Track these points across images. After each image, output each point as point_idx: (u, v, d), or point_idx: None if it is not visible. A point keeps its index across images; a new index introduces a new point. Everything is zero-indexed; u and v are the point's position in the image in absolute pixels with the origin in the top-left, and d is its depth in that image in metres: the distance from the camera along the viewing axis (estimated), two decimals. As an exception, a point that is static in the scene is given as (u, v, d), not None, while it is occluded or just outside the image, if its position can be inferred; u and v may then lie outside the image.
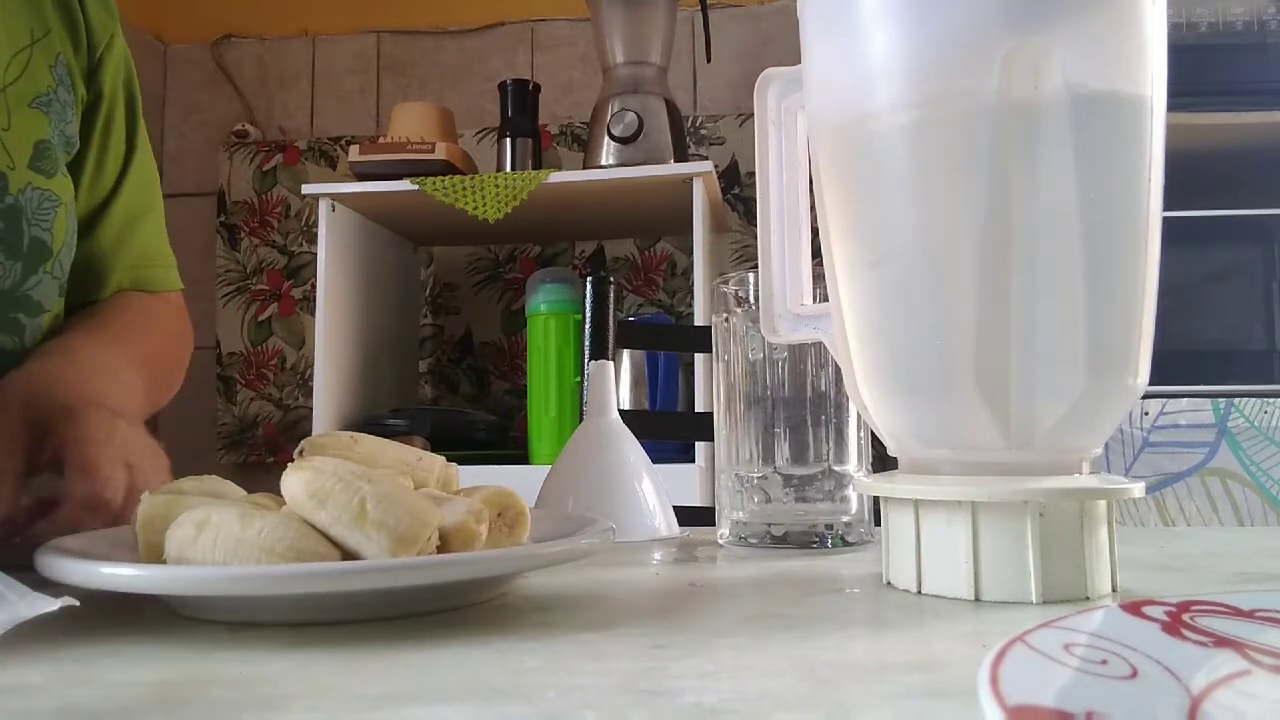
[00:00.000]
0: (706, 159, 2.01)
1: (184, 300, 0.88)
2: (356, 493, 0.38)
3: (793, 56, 0.48)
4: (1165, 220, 0.43)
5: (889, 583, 0.45)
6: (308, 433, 1.98)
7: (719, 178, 1.92)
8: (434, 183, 1.73)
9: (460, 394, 2.20)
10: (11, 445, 0.54)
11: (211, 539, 0.38)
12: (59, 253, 0.71)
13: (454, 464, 0.50)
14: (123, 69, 0.80)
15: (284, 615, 0.38)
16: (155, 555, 0.40)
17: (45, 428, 0.56)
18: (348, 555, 0.38)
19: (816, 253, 0.50)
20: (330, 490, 0.38)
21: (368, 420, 1.80)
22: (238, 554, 0.37)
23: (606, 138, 1.77)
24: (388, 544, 0.37)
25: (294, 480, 0.39)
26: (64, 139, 0.73)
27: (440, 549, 0.40)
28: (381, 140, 1.82)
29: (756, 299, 0.54)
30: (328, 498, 0.38)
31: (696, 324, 1.67)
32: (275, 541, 0.37)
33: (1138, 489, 0.42)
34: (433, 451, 0.51)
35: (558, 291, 1.79)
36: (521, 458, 1.82)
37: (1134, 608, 0.29)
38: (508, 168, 1.86)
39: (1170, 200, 0.44)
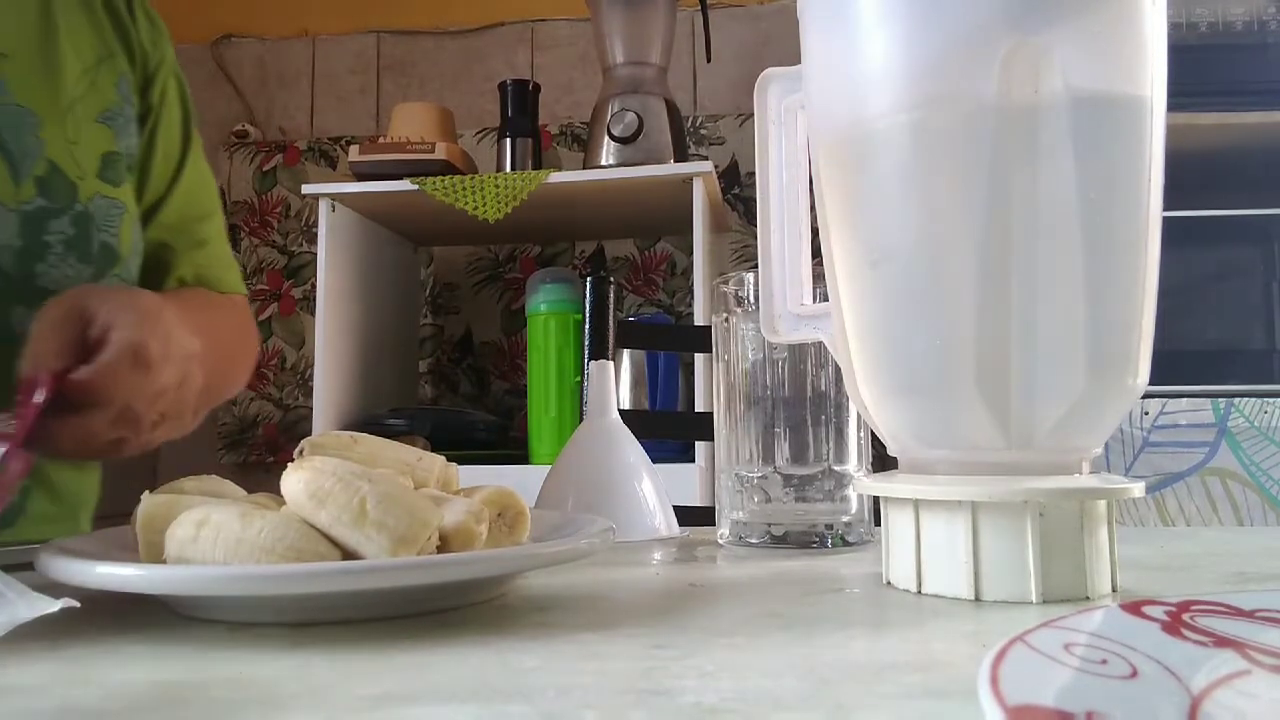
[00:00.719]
0: (706, 159, 2.01)
1: (248, 304, 0.91)
2: (356, 493, 0.38)
3: (793, 56, 0.48)
4: (1165, 220, 0.43)
5: (889, 583, 0.45)
6: (308, 433, 1.98)
7: (719, 178, 1.92)
8: (434, 183, 1.73)
9: (460, 394, 2.20)
10: (66, 315, 0.58)
11: (211, 539, 0.38)
12: (127, 257, 0.75)
13: (453, 464, 0.50)
14: (175, 85, 0.85)
15: (284, 615, 0.38)
16: (155, 555, 0.40)
17: (91, 315, 0.59)
18: (348, 555, 0.38)
19: (816, 253, 0.50)
20: (330, 490, 0.38)
21: (368, 420, 1.80)
22: (238, 554, 0.37)
23: (606, 138, 1.77)
24: (388, 544, 0.37)
25: (294, 480, 0.39)
26: (127, 151, 0.78)
27: (440, 549, 0.40)
28: (381, 140, 1.82)
29: (756, 299, 0.54)
30: (328, 498, 0.38)
31: (696, 324, 1.67)
32: (275, 541, 0.37)
33: (1138, 489, 0.42)
34: (433, 451, 0.51)
35: (558, 291, 1.79)
36: (521, 458, 1.82)
37: (1134, 608, 0.29)
38: (508, 168, 1.86)
39: (1170, 200, 0.44)
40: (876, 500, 0.48)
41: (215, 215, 0.89)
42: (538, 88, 1.94)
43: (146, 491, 0.43)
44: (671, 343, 1.54)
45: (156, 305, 0.61)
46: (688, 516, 0.76)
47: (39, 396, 0.53)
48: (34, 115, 0.70)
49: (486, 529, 0.42)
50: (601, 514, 0.56)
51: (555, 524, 0.49)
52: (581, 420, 0.70)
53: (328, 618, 0.38)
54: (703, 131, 2.15)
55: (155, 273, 0.83)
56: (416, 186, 1.74)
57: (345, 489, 0.38)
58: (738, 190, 2.13)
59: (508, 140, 1.88)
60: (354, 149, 1.81)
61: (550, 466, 0.67)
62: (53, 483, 0.74)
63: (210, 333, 0.69)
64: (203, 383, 0.66)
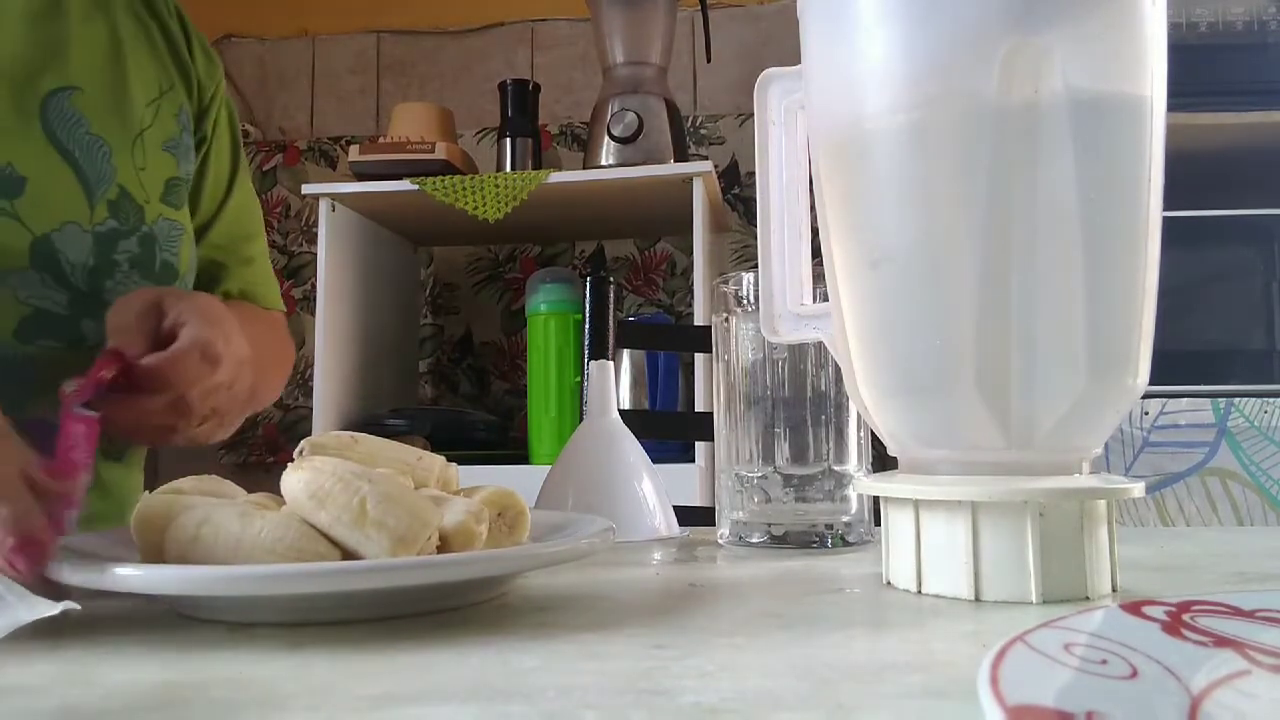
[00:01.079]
0: (706, 159, 2.01)
1: (285, 321, 0.96)
2: (356, 493, 0.38)
3: (793, 56, 0.48)
4: (1165, 220, 0.43)
5: (889, 583, 0.45)
6: (308, 433, 1.98)
7: (719, 178, 1.92)
8: (434, 183, 1.73)
9: (460, 394, 2.20)
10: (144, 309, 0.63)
11: (211, 539, 0.38)
12: (184, 274, 0.81)
13: (453, 464, 0.50)
14: (225, 114, 0.91)
15: (284, 615, 0.38)
16: (155, 555, 0.40)
17: (164, 309, 0.64)
18: (348, 555, 0.38)
19: (816, 253, 0.50)
20: (330, 490, 0.38)
21: (368, 420, 1.80)
22: (238, 554, 0.37)
23: (606, 138, 1.77)
24: (388, 544, 0.37)
25: (294, 480, 0.39)
26: (186, 176, 0.83)
27: (440, 549, 0.40)
28: (381, 140, 1.82)
29: (756, 299, 0.54)
30: (328, 498, 0.38)
31: (696, 324, 1.67)
32: (275, 541, 0.37)
33: (1138, 489, 0.42)
34: (432, 452, 0.51)
35: (558, 291, 1.79)
36: (521, 458, 1.82)
37: (1134, 608, 0.29)
38: (508, 168, 1.86)
39: (1170, 200, 0.44)
40: (876, 500, 0.48)
41: (260, 235, 0.94)
42: (538, 88, 1.94)
43: (145, 492, 0.43)
44: (671, 343, 1.54)
45: (221, 309, 0.68)
46: (688, 516, 0.76)
47: (108, 372, 0.58)
48: (106, 144, 0.75)
49: (486, 529, 0.42)
50: (601, 514, 0.56)
51: (556, 524, 0.49)
52: (581, 420, 0.70)
53: (327, 618, 0.38)
54: (703, 131, 2.15)
55: (205, 288, 0.87)
56: (416, 186, 1.74)
57: (345, 489, 0.38)
58: (738, 190, 2.13)
59: (508, 140, 1.88)
60: (354, 149, 1.81)
61: (550, 466, 0.67)
62: (103, 480, 0.76)
63: (256, 343, 0.73)
64: (250, 386, 0.71)
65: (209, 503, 0.41)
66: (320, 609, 0.38)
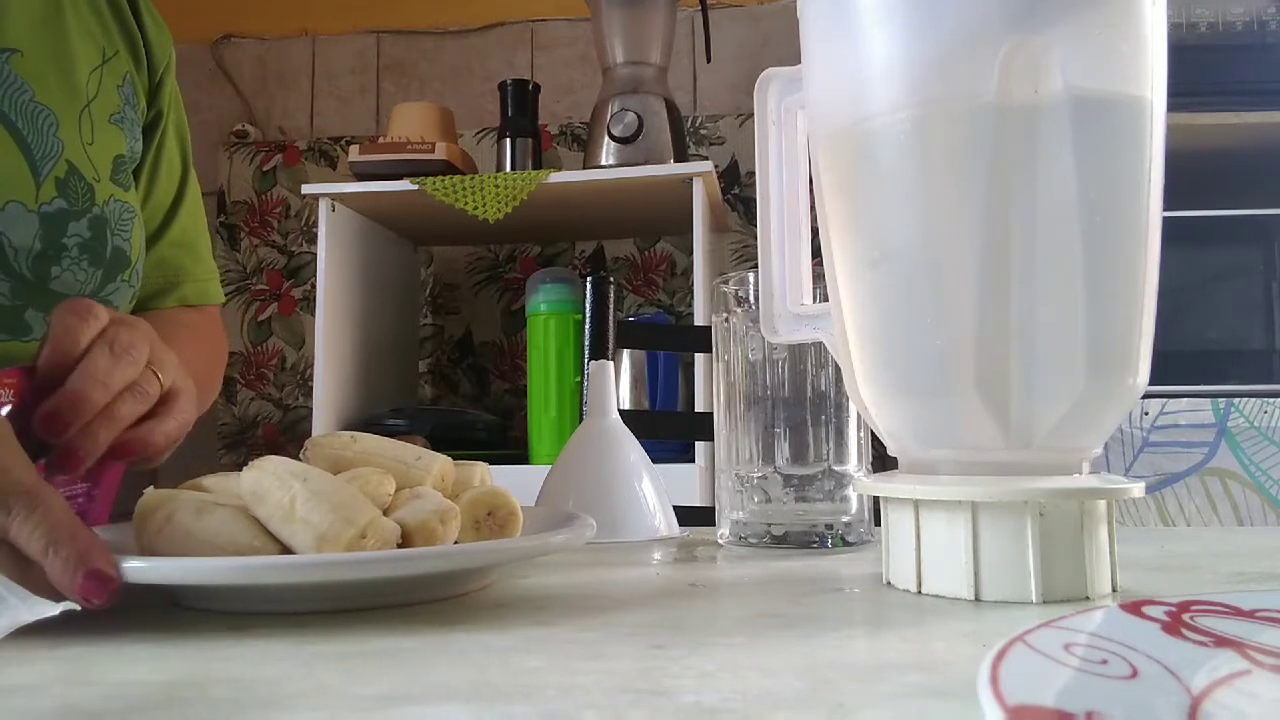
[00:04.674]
0: (706, 159, 2.01)
1: (219, 312, 0.92)
2: (289, 491, 0.39)
3: (793, 56, 0.48)
4: (1165, 220, 0.43)
5: (889, 583, 0.45)
6: (308, 433, 1.98)
7: (719, 178, 1.92)
8: (434, 183, 1.73)
9: (460, 394, 2.20)
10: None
11: (170, 532, 0.40)
12: (135, 262, 0.75)
13: (481, 463, 0.51)
14: (176, 92, 0.84)
15: (229, 604, 0.40)
16: (143, 548, 0.42)
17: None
18: (284, 549, 0.40)
19: (816, 253, 0.50)
20: (268, 488, 0.40)
21: (368, 420, 1.80)
22: (186, 546, 0.39)
23: (606, 138, 1.77)
24: (312, 540, 0.38)
25: (243, 478, 0.41)
26: (132, 155, 0.77)
27: (402, 545, 0.41)
28: (381, 140, 1.82)
29: (756, 299, 0.54)
30: (266, 495, 0.40)
31: (696, 324, 1.67)
32: (216, 535, 0.39)
33: (1138, 489, 0.42)
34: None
35: (558, 291, 1.79)
36: (521, 458, 1.82)
37: (1134, 608, 0.29)
38: (508, 168, 1.86)
39: (1170, 200, 0.44)
40: (876, 500, 0.48)
41: (204, 229, 0.89)
42: (538, 88, 1.94)
43: (150, 487, 0.44)
44: (671, 343, 1.54)
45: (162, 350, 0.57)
46: (688, 516, 0.76)
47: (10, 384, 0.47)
48: (53, 114, 0.69)
49: (456, 528, 0.43)
50: (601, 514, 0.56)
51: (547, 521, 0.49)
52: (581, 420, 0.70)
53: (273, 608, 0.40)
54: (703, 131, 2.15)
55: (162, 291, 0.82)
56: (416, 186, 1.73)
57: (280, 487, 0.40)
58: (738, 190, 2.13)
59: (508, 140, 1.88)
60: (354, 149, 1.81)
61: (550, 466, 0.67)
62: None
63: (192, 364, 0.68)
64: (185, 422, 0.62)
65: (189, 498, 0.42)
66: (268, 599, 0.40)
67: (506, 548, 0.43)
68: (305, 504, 0.39)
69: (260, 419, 2.23)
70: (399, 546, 0.41)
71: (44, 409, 0.47)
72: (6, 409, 0.46)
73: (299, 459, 0.44)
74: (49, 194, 0.67)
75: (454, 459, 0.50)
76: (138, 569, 0.37)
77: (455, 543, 0.43)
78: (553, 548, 0.43)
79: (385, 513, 0.42)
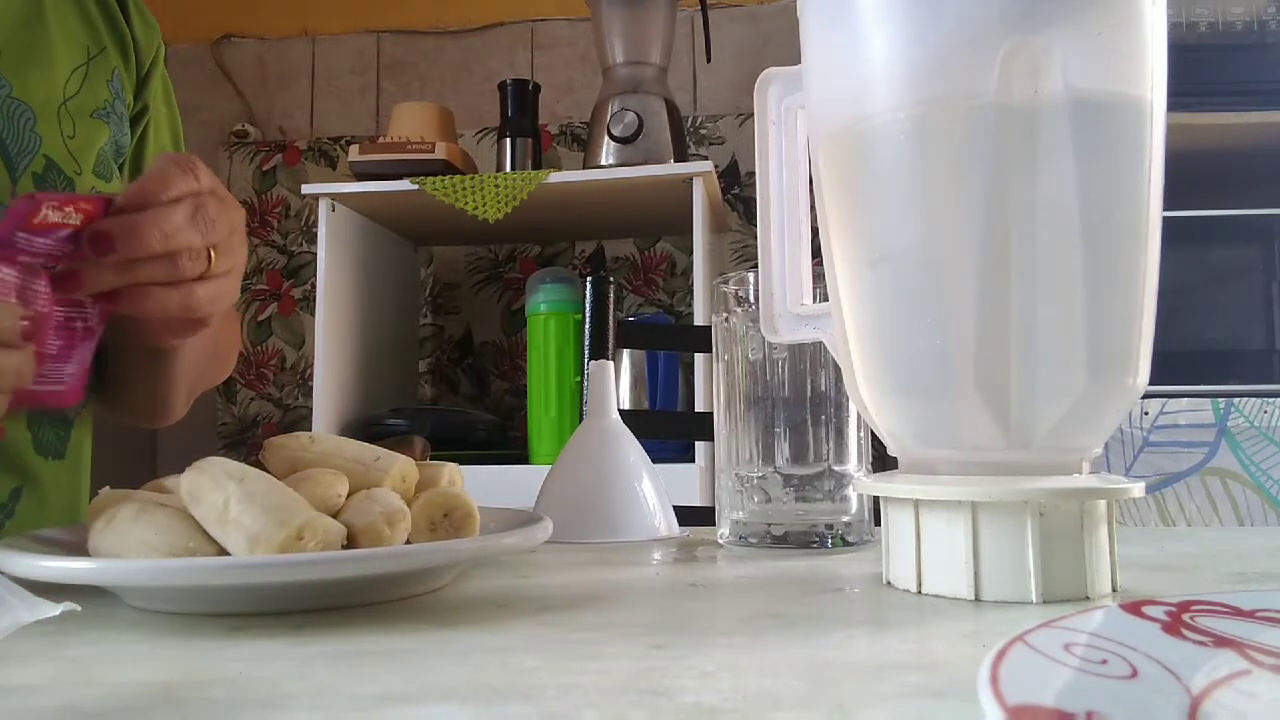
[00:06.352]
0: (706, 159, 2.01)
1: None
2: (224, 492, 0.40)
3: (793, 56, 0.48)
4: (1165, 220, 0.43)
5: (889, 583, 0.45)
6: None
7: (719, 178, 1.92)
8: (434, 183, 1.73)
9: (460, 394, 2.20)
10: None
11: (111, 532, 0.40)
12: None
13: (452, 464, 0.51)
14: (164, 86, 0.84)
15: (173, 605, 0.40)
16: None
17: None
18: (221, 551, 0.40)
19: (816, 253, 0.50)
20: (204, 489, 0.40)
21: (368, 420, 1.80)
22: (125, 546, 0.40)
23: (606, 138, 1.77)
24: (243, 542, 0.39)
25: (181, 479, 0.41)
26: (116, 147, 0.77)
27: (348, 546, 0.41)
28: (381, 140, 1.81)
29: (756, 299, 0.54)
30: (202, 496, 0.40)
31: (696, 324, 1.67)
32: (153, 536, 0.40)
33: (1138, 489, 0.42)
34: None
35: (558, 291, 1.78)
36: (521, 458, 1.82)
37: (1134, 608, 0.29)
38: (508, 168, 1.86)
39: (1170, 200, 0.44)
40: (876, 500, 0.48)
41: None
42: (538, 88, 1.94)
43: (106, 487, 0.44)
44: (671, 343, 1.54)
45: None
46: (688, 516, 0.76)
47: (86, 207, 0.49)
48: (30, 110, 0.69)
49: (406, 530, 0.43)
50: (601, 514, 0.56)
51: (507, 522, 0.49)
52: (581, 420, 0.70)
53: (208, 609, 0.40)
54: (703, 131, 2.15)
55: None
56: (416, 186, 1.73)
57: (215, 489, 0.40)
58: (738, 190, 2.13)
59: (508, 140, 1.88)
60: (354, 149, 1.81)
61: (550, 466, 0.67)
62: (43, 485, 0.72)
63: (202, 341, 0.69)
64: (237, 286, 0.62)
65: (137, 498, 0.42)
66: (206, 601, 0.40)
67: (451, 549, 0.42)
68: (238, 506, 0.39)
69: (260, 419, 2.23)
70: (345, 548, 0.41)
71: (98, 225, 0.48)
72: (71, 230, 0.48)
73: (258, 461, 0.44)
74: (25, 189, 0.67)
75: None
76: (49, 568, 0.38)
77: (407, 543, 0.43)
78: (494, 550, 0.43)
79: (338, 514, 0.42)
